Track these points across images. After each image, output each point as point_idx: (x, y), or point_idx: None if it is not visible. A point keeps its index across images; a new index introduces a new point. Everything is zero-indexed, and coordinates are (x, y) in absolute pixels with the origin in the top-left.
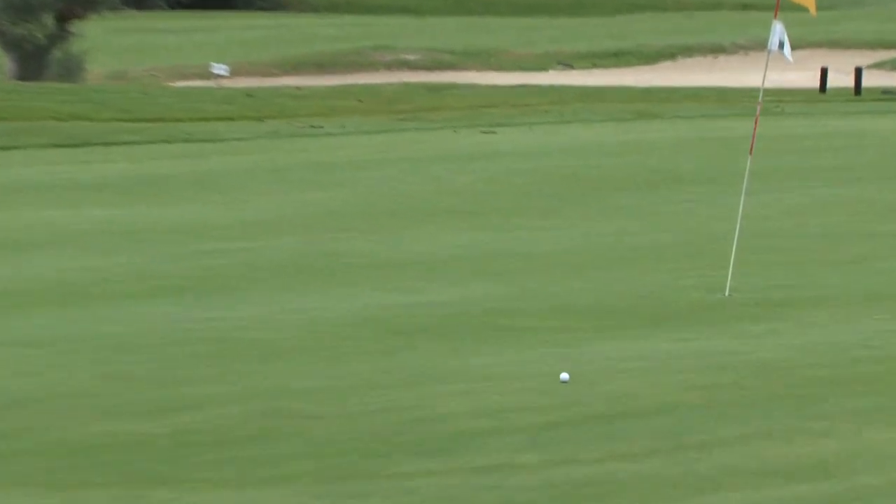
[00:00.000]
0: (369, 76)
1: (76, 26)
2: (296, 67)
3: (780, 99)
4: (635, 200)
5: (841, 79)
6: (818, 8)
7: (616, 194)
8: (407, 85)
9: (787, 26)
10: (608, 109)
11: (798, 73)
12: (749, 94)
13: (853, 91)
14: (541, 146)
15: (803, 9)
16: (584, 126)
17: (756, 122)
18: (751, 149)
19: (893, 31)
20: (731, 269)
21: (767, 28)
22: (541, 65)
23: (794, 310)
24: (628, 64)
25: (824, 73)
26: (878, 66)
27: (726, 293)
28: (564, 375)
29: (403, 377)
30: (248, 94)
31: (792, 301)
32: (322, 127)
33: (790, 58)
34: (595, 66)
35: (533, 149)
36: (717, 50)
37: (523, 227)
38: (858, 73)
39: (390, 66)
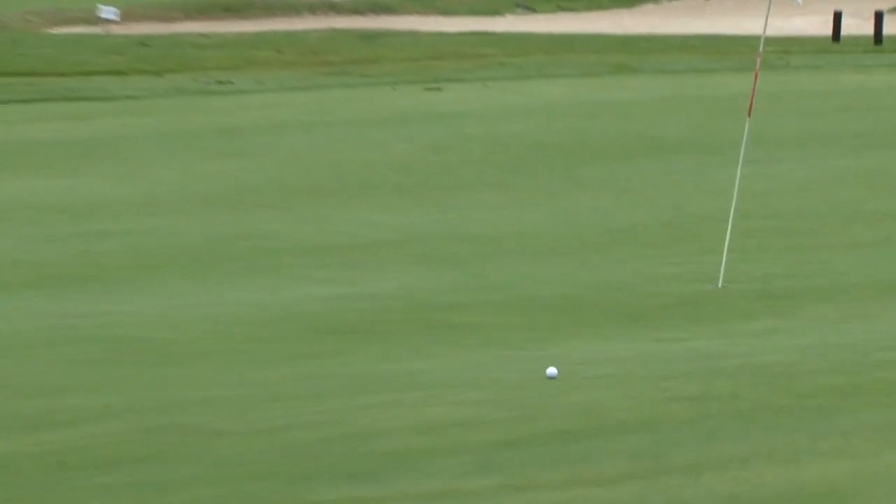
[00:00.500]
0: (290, 21)
1: None
2: (201, 11)
3: (786, 49)
4: (610, 172)
5: (858, 25)
6: None
7: (587, 165)
8: (335, 32)
9: None
10: (578, 62)
11: (807, 18)
12: (747, 43)
13: (872, 40)
14: (496, 107)
15: None
16: (549, 82)
17: (756, 78)
18: (749, 110)
19: None
20: (724, 255)
21: None
22: (496, 8)
23: (801, 304)
24: (602, 6)
25: (838, 18)
26: None
27: (719, 284)
28: (552, 370)
29: (328, 385)
30: (143, 42)
31: (797, 293)
32: (233, 83)
33: None
34: (562, 9)
35: (487, 110)
36: None
37: (475, 205)
38: (879, 18)
39: (315, 10)
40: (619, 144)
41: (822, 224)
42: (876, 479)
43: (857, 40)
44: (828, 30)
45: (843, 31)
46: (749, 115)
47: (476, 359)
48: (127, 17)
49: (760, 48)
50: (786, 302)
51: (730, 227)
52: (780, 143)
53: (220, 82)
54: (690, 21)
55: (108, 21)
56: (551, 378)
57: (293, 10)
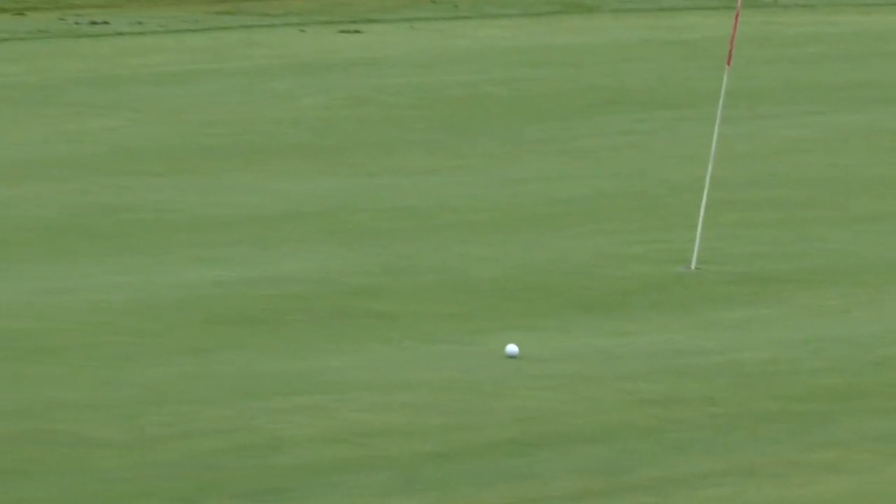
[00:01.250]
0: None
1: None
2: None
3: None
4: (561, 132)
5: None
6: None
7: (533, 123)
8: None
9: None
10: None
11: None
12: None
13: None
14: (426, 53)
15: None
16: (488, 23)
17: (736, 19)
18: (728, 57)
19: None
20: (698, 230)
21: None
22: None
23: (790, 289)
24: None
25: None
26: None
27: (692, 266)
28: (512, 348)
29: (226, 387)
30: None
31: (786, 276)
32: (108, 23)
33: None
34: None
35: (414, 57)
36: None
37: (399, 170)
38: None
39: None
40: (572, 98)
41: (817, 194)
42: (877, 498)
43: None
44: None
45: None
46: (728, 64)
47: (402, 355)
48: None
49: None
50: (772, 287)
51: (705, 197)
52: (765, 96)
53: (94, 23)
54: None
55: None
56: (512, 357)
57: None
